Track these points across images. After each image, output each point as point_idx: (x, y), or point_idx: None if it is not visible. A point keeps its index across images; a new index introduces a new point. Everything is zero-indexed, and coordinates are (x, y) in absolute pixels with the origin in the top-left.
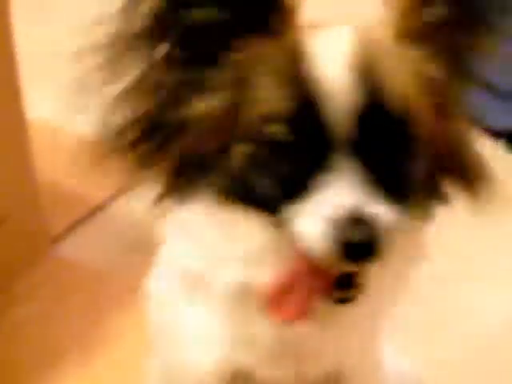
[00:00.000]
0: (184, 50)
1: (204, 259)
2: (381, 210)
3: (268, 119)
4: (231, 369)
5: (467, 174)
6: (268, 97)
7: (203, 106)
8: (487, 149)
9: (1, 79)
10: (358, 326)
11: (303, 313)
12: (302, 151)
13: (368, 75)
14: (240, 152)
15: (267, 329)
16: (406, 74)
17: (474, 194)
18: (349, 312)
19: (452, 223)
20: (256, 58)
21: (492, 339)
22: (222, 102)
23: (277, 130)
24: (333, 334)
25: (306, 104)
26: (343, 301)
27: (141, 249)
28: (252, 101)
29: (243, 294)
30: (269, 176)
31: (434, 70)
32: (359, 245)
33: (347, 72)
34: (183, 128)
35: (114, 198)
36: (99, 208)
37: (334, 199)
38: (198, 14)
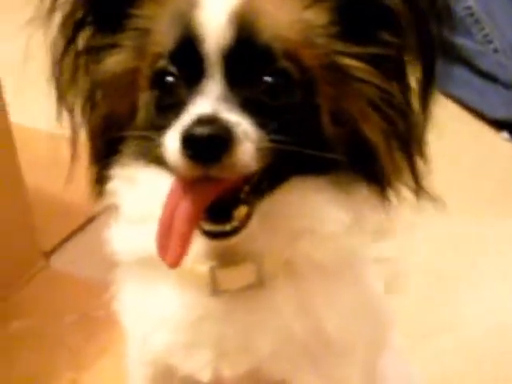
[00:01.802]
0: (95, 22)
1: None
2: (232, 118)
3: (158, 57)
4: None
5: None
6: (160, 39)
7: (113, 60)
8: (489, 139)
9: None
10: (279, 316)
11: (185, 248)
12: (180, 81)
13: (241, 18)
14: (142, 103)
15: (176, 302)
16: (280, 17)
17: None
18: (262, 295)
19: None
20: (157, 9)
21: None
22: (129, 55)
23: (162, 64)
24: (249, 320)
25: (185, 41)
26: (217, 235)
27: None
28: (150, 44)
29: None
30: (159, 113)
31: (314, 16)
32: (202, 140)
33: (223, 15)
34: (102, 88)
35: (106, 209)
36: (92, 220)
37: (191, 112)
38: None
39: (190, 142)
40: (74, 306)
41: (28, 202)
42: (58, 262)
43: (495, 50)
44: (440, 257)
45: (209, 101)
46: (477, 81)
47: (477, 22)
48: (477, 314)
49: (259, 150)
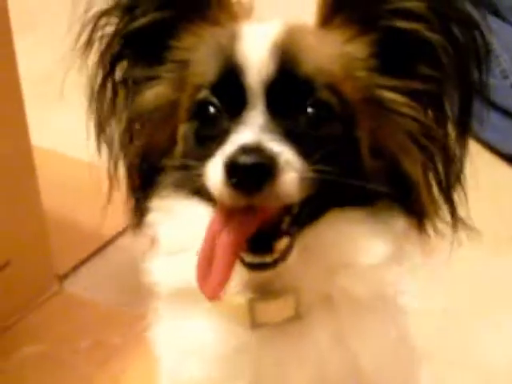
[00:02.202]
0: (133, 54)
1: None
2: (276, 147)
3: (199, 89)
4: None
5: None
6: (201, 70)
7: (152, 92)
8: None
9: (5, 108)
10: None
11: (226, 279)
12: (222, 111)
13: (283, 50)
14: (181, 134)
15: (213, 334)
16: (322, 51)
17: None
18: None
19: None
20: (196, 42)
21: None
22: (169, 87)
23: (204, 95)
24: (285, 353)
25: (228, 72)
26: (257, 266)
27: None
28: (191, 76)
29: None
30: (200, 144)
31: (354, 50)
32: (246, 169)
33: (266, 48)
34: (141, 119)
35: (122, 233)
36: (107, 244)
37: (235, 142)
38: (143, 20)
39: (234, 170)
40: (88, 331)
41: (44, 225)
42: (72, 286)
43: None
44: (459, 295)
45: (252, 131)
46: (493, 115)
47: (495, 57)
48: (497, 352)
49: (302, 179)
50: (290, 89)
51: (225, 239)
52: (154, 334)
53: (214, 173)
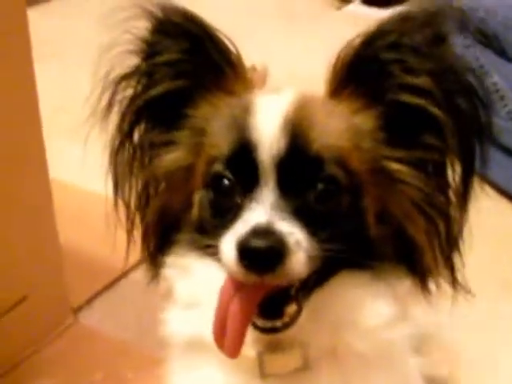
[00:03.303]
0: (151, 119)
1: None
2: (286, 228)
3: (214, 160)
4: None
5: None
6: (216, 142)
7: (169, 157)
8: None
9: (25, 143)
10: None
11: (240, 343)
12: (236, 185)
13: (293, 127)
14: (197, 200)
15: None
16: (330, 125)
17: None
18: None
19: None
20: (212, 111)
21: None
22: (185, 152)
23: (218, 168)
24: None
25: (241, 147)
26: (269, 330)
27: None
28: (206, 145)
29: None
30: (214, 214)
31: (362, 122)
32: (258, 253)
33: (277, 124)
34: (157, 182)
35: (137, 265)
36: (120, 278)
37: (248, 220)
38: (161, 87)
39: (246, 253)
40: (101, 364)
41: (61, 257)
42: (86, 318)
43: None
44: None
45: (263, 209)
46: (500, 157)
47: (502, 98)
48: None
49: (310, 257)
50: (301, 166)
51: (236, 307)
52: (169, 381)
53: (227, 251)
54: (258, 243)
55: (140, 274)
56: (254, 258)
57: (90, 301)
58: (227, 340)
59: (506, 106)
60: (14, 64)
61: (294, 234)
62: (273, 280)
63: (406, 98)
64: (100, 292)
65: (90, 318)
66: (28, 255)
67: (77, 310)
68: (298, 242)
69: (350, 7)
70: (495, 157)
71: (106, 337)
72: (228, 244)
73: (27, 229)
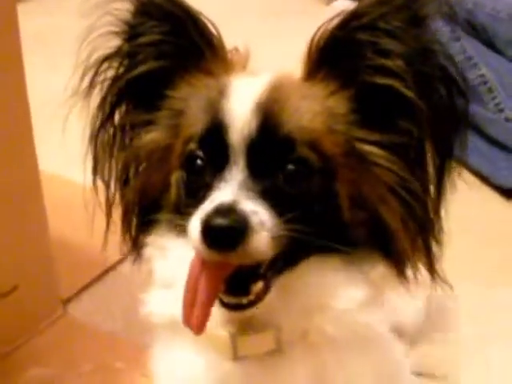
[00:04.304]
0: (132, 100)
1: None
2: (250, 208)
3: (189, 140)
4: None
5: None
6: (192, 122)
7: (149, 137)
8: (499, 206)
9: (15, 134)
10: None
11: (205, 317)
12: (207, 165)
13: (265, 109)
14: (174, 180)
15: (200, 364)
16: (303, 107)
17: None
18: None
19: None
20: (190, 92)
21: None
22: (164, 133)
23: (192, 147)
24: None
25: (213, 128)
26: (234, 307)
27: None
28: (184, 126)
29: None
30: (188, 194)
31: (335, 104)
32: (219, 231)
33: (249, 106)
34: (138, 162)
35: (124, 260)
36: (110, 270)
37: (214, 199)
38: (143, 68)
39: (208, 231)
40: (91, 355)
41: (50, 249)
42: (76, 310)
43: (507, 120)
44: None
45: (230, 188)
46: (487, 148)
47: (489, 90)
48: (483, 381)
49: (274, 238)
50: (271, 148)
51: (202, 283)
52: (152, 362)
53: (193, 229)
54: (219, 222)
55: (129, 267)
56: (215, 236)
57: (79, 293)
58: (194, 316)
59: (494, 98)
60: (2, 56)
61: (258, 213)
62: (235, 259)
63: (379, 79)
64: (89, 284)
65: (79, 309)
66: (18, 245)
67: (66, 302)
68: (261, 222)
69: (339, 2)
70: (482, 148)
71: (94, 328)
72: (194, 223)
73: (17, 219)
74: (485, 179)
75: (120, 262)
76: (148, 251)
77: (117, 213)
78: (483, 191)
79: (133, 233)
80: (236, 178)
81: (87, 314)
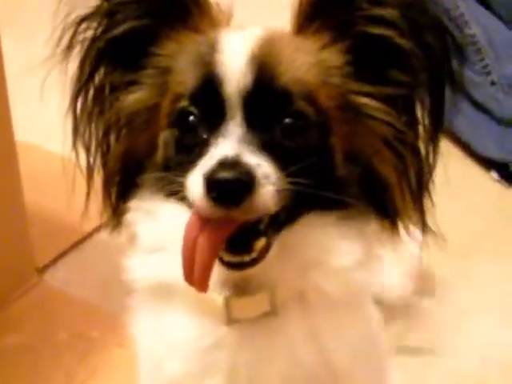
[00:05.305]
0: (112, 59)
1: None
2: (254, 161)
3: (179, 97)
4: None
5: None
6: (182, 79)
7: (133, 98)
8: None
9: None
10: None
11: (207, 274)
12: (202, 121)
13: (260, 61)
14: (162, 140)
15: (190, 329)
16: (298, 60)
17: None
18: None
19: None
20: (177, 49)
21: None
22: (149, 92)
23: (183, 104)
24: (260, 349)
25: (207, 82)
26: (236, 265)
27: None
28: (171, 83)
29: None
30: (180, 152)
31: (329, 57)
32: (226, 184)
33: (243, 58)
34: (119, 126)
35: (100, 228)
36: (86, 238)
37: (215, 154)
38: (124, 27)
39: (213, 185)
40: (67, 324)
41: (25, 217)
42: (52, 278)
43: (492, 83)
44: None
45: (230, 143)
46: (470, 111)
47: (478, 51)
48: (461, 346)
49: (279, 191)
50: (268, 100)
51: (203, 241)
52: (133, 329)
53: (194, 186)
54: (226, 175)
55: (105, 235)
56: (221, 189)
57: (54, 261)
58: (195, 275)
59: (482, 60)
60: None
61: (262, 166)
62: (241, 214)
63: (373, 29)
64: (65, 252)
65: (55, 278)
66: None
67: (42, 270)
68: (266, 175)
69: None
70: (465, 110)
71: (70, 297)
72: (195, 179)
73: None
74: (466, 147)
75: (97, 229)
76: (131, 216)
77: (96, 180)
78: (464, 161)
79: (113, 199)
80: (234, 132)
81: (63, 282)
